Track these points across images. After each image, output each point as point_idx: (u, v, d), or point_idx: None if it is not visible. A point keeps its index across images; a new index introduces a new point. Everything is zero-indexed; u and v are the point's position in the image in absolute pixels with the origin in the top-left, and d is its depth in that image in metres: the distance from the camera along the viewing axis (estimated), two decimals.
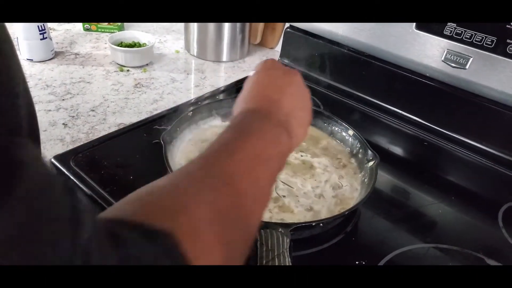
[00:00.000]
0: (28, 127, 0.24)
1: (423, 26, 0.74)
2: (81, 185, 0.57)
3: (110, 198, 0.55)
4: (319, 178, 0.60)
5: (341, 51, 0.88)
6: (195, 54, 0.99)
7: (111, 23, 1.05)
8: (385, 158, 0.63)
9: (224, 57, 0.99)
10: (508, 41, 0.66)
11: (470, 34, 0.70)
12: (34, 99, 0.66)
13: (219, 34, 0.96)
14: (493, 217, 0.61)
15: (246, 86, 0.42)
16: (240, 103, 0.40)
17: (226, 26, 0.95)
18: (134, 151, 0.66)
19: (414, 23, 0.75)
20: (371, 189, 0.53)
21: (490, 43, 0.68)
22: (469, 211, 0.64)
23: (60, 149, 0.64)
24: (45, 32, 0.86)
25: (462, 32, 0.70)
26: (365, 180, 0.58)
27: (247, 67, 0.98)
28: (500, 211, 0.62)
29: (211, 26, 0.95)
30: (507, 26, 0.66)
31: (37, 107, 0.67)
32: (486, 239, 0.58)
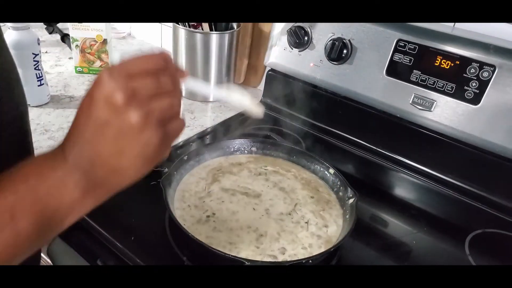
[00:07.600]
0: None
1: (392, 72, 0.83)
2: (87, 229, 0.61)
3: (115, 241, 0.60)
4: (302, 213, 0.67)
5: (319, 93, 0.96)
6: (184, 95, 1.06)
7: (102, 66, 1.11)
8: (362, 189, 0.70)
9: (211, 97, 1.06)
10: (465, 87, 0.76)
11: (433, 81, 0.79)
12: (35, 145, 0.70)
13: (206, 76, 1.03)
14: (461, 245, 0.69)
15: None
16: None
17: (213, 68, 1.03)
18: (133, 193, 0.69)
19: (385, 70, 0.84)
20: (353, 225, 0.60)
21: (450, 89, 0.77)
22: (440, 240, 0.71)
23: None
24: (42, 79, 0.91)
25: (426, 79, 0.80)
26: (347, 216, 0.65)
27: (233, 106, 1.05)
28: (467, 240, 0.70)
29: (199, 68, 1.02)
30: (464, 75, 0.75)
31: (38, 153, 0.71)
32: None
